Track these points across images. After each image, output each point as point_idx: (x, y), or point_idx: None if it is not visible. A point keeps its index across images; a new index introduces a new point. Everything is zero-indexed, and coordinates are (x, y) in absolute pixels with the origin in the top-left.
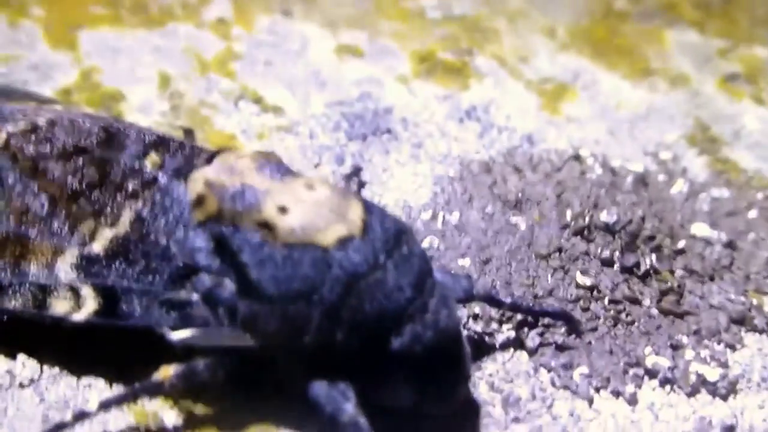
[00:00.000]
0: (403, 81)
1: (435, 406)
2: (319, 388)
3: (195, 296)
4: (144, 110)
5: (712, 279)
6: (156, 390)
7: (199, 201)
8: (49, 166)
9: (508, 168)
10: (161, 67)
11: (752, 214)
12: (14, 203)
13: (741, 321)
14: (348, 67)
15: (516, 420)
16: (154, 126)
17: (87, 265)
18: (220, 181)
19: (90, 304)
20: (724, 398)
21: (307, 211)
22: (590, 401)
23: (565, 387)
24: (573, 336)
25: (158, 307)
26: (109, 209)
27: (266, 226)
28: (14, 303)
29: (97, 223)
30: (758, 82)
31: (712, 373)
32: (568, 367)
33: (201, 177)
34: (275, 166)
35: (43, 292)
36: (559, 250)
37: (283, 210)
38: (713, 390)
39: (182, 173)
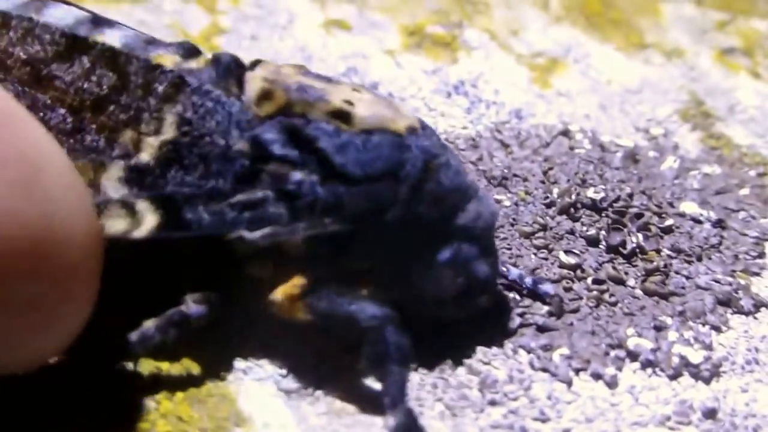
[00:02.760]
0: (391, 55)
1: (482, 292)
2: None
3: (269, 193)
4: None
5: (699, 259)
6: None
7: (265, 95)
8: (52, 71)
9: (495, 143)
10: None
11: (744, 191)
12: None
13: (727, 302)
14: (335, 42)
15: (492, 402)
16: None
17: (138, 177)
18: (280, 78)
19: (150, 218)
20: (707, 381)
21: (370, 105)
22: (569, 383)
23: (544, 369)
24: (554, 317)
25: (229, 210)
26: (146, 114)
27: (339, 116)
28: None
29: (137, 132)
30: (755, 56)
31: (696, 356)
32: (548, 348)
33: (258, 76)
34: (315, 74)
35: None
36: (544, 228)
37: (349, 103)
38: (696, 373)
39: (216, 77)
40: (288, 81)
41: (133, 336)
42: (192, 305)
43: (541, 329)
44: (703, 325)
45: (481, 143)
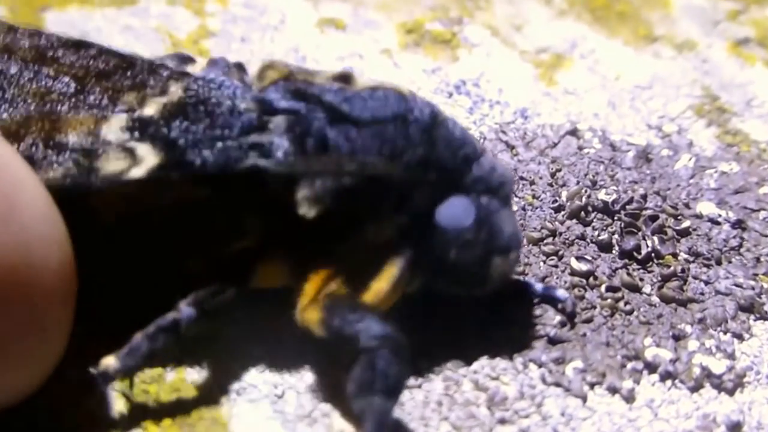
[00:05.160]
0: (388, 54)
1: (507, 247)
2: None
3: (278, 136)
4: None
5: (719, 262)
6: (104, 381)
7: (267, 67)
8: (59, 54)
9: (500, 145)
10: (131, 48)
11: (764, 190)
12: (27, 87)
13: (750, 308)
14: (329, 41)
15: (502, 421)
16: None
17: (141, 126)
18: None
19: (150, 158)
20: (731, 393)
21: (369, 79)
22: (584, 399)
23: (557, 384)
24: (566, 328)
25: (236, 149)
26: (152, 82)
27: (343, 79)
28: (51, 174)
29: (142, 94)
30: None
31: (718, 366)
32: (561, 361)
33: (256, 62)
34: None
35: (88, 157)
36: (553, 234)
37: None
38: (718, 384)
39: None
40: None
41: (122, 352)
42: (184, 309)
43: (553, 341)
44: (725, 332)
45: (485, 145)
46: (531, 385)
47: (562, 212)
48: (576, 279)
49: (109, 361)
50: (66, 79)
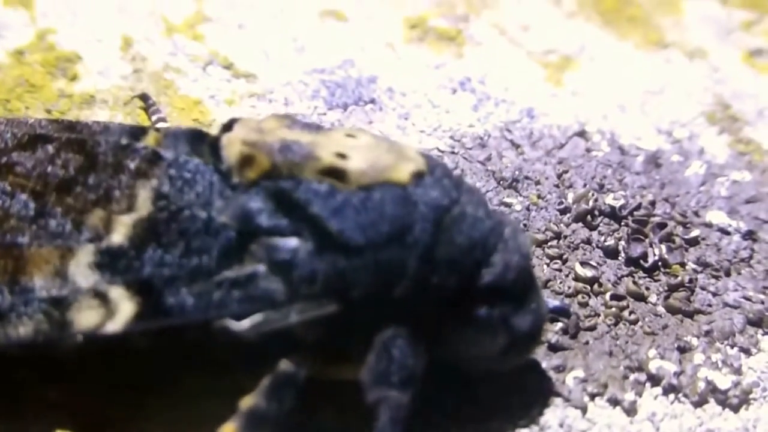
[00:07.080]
0: (391, 48)
1: (527, 343)
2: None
3: (261, 267)
4: (103, 73)
5: (728, 274)
6: None
7: (247, 160)
8: (12, 159)
9: (505, 143)
10: (124, 30)
11: None
12: None
13: (758, 322)
14: (330, 33)
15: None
16: (114, 89)
17: (110, 260)
18: (260, 139)
19: (125, 307)
20: (736, 409)
21: (367, 153)
22: (584, 410)
23: (556, 393)
24: (568, 335)
25: (215, 289)
26: (117, 192)
27: (332, 173)
28: (21, 330)
29: (108, 211)
30: None
31: (724, 381)
32: (561, 369)
33: (235, 139)
34: (302, 123)
35: (59, 307)
36: (558, 236)
37: (342, 156)
38: (723, 400)
39: (186, 148)
40: (270, 140)
41: (240, 422)
42: (289, 365)
43: (554, 348)
44: (732, 346)
45: (489, 142)
46: None
47: (568, 215)
48: (580, 285)
49: None
50: (23, 197)
